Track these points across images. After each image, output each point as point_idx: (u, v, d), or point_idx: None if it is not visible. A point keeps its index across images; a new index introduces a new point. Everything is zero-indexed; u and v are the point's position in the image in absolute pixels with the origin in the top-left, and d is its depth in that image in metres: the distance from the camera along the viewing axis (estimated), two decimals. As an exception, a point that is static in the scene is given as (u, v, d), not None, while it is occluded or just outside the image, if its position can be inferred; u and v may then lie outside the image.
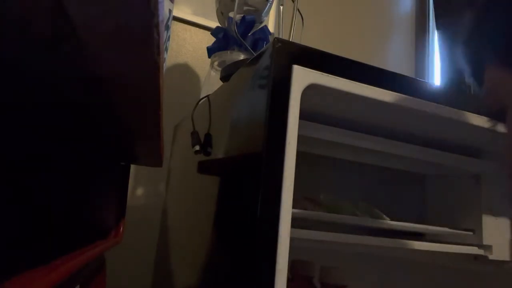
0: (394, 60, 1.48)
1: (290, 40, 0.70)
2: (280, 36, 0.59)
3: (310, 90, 0.41)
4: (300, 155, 0.40)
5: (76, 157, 0.59)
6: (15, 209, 0.51)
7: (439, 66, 1.41)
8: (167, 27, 0.73)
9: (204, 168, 0.62)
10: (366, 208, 0.59)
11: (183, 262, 0.67)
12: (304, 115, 0.42)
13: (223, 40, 0.76)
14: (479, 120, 0.51)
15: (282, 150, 0.39)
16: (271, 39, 0.72)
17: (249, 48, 0.71)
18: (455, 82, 1.31)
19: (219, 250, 0.48)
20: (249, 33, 0.75)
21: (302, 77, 0.41)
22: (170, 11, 0.72)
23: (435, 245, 0.58)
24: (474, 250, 0.61)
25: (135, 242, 0.93)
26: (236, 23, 0.73)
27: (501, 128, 0.52)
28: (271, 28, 1.15)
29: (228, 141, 0.52)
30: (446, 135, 0.58)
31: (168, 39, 0.81)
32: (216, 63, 0.76)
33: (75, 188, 0.59)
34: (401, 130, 0.55)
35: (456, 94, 0.51)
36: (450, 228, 0.63)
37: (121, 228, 0.61)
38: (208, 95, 0.64)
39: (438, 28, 1.44)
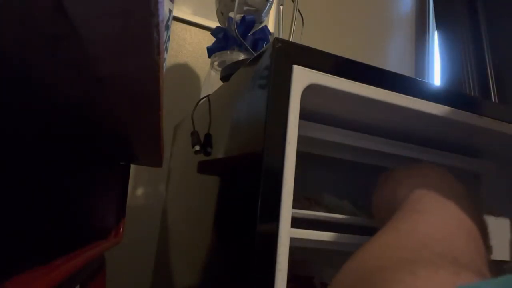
0: (394, 60, 1.48)
1: (290, 40, 0.70)
2: (280, 36, 0.59)
3: (310, 90, 0.41)
4: (300, 155, 0.40)
5: (76, 157, 0.59)
6: (15, 209, 0.51)
7: (439, 66, 1.41)
8: (167, 27, 0.73)
9: (204, 168, 0.62)
10: (366, 208, 0.59)
11: (183, 262, 0.67)
12: (304, 115, 0.42)
13: (223, 40, 0.76)
14: (479, 120, 0.51)
15: (282, 150, 0.39)
16: (271, 39, 0.72)
17: (249, 48, 0.71)
18: (455, 82, 1.31)
19: (219, 250, 0.48)
20: (249, 33, 0.75)
21: (302, 77, 0.41)
22: (170, 11, 0.72)
23: (435, 245, 0.57)
24: (474, 250, 0.61)
25: (135, 242, 0.93)
26: (236, 23, 0.73)
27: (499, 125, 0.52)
28: (271, 28, 1.15)
29: (228, 141, 0.52)
30: (446, 135, 0.58)
31: (168, 39, 0.81)
32: (216, 63, 0.76)
33: (75, 188, 0.59)
34: (401, 130, 0.55)
35: (456, 94, 0.51)
36: (450, 228, 0.62)
37: (121, 228, 0.61)
38: (208, 95, 0.64)
39: (438, 28, 1.44)
